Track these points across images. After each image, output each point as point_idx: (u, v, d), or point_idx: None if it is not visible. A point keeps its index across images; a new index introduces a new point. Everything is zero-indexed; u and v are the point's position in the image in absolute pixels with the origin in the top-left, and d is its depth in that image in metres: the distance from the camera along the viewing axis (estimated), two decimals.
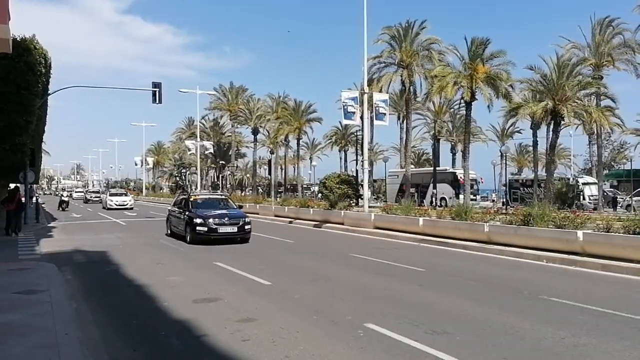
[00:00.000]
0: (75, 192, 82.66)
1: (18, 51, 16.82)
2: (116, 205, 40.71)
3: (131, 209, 40.08)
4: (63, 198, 42.78)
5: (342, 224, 22.55)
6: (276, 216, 29.52)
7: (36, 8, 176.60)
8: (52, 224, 25.99)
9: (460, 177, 38.10)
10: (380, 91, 33.51)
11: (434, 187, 37.81)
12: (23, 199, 22.66)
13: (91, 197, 59.83)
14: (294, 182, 67.19)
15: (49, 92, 24.99)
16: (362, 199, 26.61)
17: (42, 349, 5.37)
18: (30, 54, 17.95)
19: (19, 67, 17.49)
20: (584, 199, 34.66)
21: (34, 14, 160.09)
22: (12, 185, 27.98)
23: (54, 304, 7.46)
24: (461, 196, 35.58)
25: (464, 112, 37.30)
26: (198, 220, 16.14)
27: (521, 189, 40.09)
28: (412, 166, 46.12)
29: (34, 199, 32.29)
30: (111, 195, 44.15)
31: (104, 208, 41.82)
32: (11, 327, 6.18)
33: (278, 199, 37.42)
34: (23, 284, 9.04)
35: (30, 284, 9.05)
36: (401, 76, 38.39)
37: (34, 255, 14.06)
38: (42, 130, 28.51)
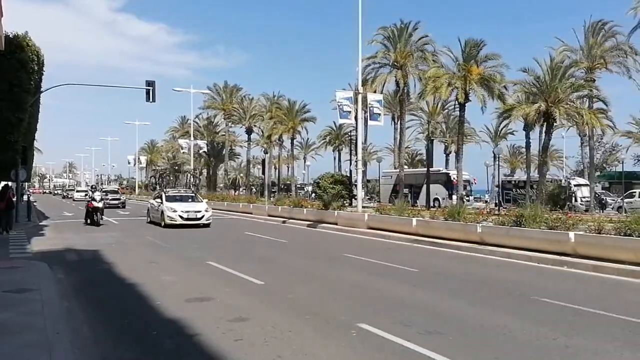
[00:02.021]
0: (78, 191, 64.99)
1: (11, 48, 16.76)
2: (184, 218, 22.09)
3: (208, 225, 22.56)
4: (95, 203, 23.44)
5: (336, 224, 22.56)
6: (269, 216, 29.50)
7: (30, 6, 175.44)
8: (43, 223, 25.82)
9: (454, 178, 38.24)
10: (375, 92, 33.59)
11: (428, 188, 37.92)
12: (14, 198, 22.50)
13: (106, 199, 35.72)
14: (288, 182, 67.17)
15: (42, 89, 24.84)
16: (355, 199, 26.64)
17: (32, 348, 5.34)
18: (22, 51, 17.88)
19: (11, 64, 17.43)
20: (575, 200, 34.88)
21: (27, 11, 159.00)
22: (3, 183, 27.74)
23: (45, 303, 7.42)
24: (454, 197, 35.73)
25: (458, 113, 37.46)
26: None
27: (514, 190, 40.28)
28: (406, 167, 46.24)
29: (26, 197, 32.08)
30: (170, 199, 23.47)
31: (152, 222, 24.23)
32: (1, 326, 6.12)
33: (271, 198, 37.30)
34: (14, 282, 8.97)
35: (21, 282, 8.98)
36: (395, 77, 38.52)
37: (25, 253, 13.95)
38: (35, 128, 28.34)
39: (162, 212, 22.50)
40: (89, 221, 23.60)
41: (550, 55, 34.35)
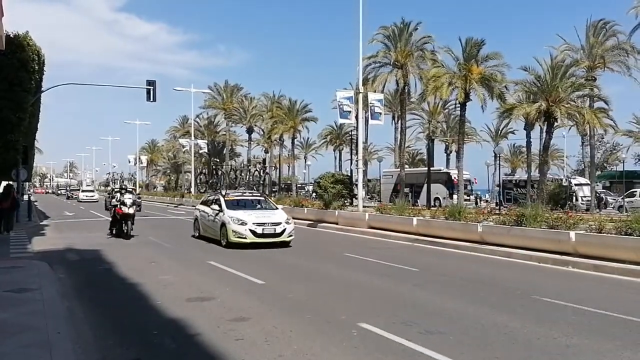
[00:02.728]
0: (83, 191, 60.62)
1: (11, 48, 16.79)
2: (258, 234, 15.09)
3: (288, 243, 15.57)
4: (126, 209, 17.62)
5: (337, 223, 22.56)
6: None
7: (31, 5, 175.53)
8: (44, 222, 25.84)
9: (454, 178, 38.25)
10: (375, 91, 33.58)
11: (428, 187, 37.98)
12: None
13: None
14: (289, 182, 67.20)
15: (42, 89, 24.87)
16: (356, 198, 26.66)
17: (33, 348, 5.34)
18: (23, 50, 17.92)
19: (12, 64, 17.48)
20: (576, 199, 34.89)
21: (28, 11, 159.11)
22: (4, 183, 27.79)
23: (46, 303, 7.42)
24: (455, 196, 35.75)
25: (459, 112, 37.48)
26: None
27: (514, 189, 40.29)
28: (407, 166, 46.27)
29: (26, 196, 32.11)
30: (232, 205, 16.26)
31: (202, 237, 17.23)
32: (2, 326, 6.13)
33: (272, 198, 37.34)
34: (14, 282, 8.98)
35: (22, 282, 8.98)
36: (396, 76, 38.51)
37: (26, 253, 13.97)
38: (35, 128, 28.39)
39: (224, 224, 15.40)
40: (114, 231, 18.18)
41: (551, 54, 34.37)
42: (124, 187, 20.66)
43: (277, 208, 17.23)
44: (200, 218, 17.66)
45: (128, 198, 17.84)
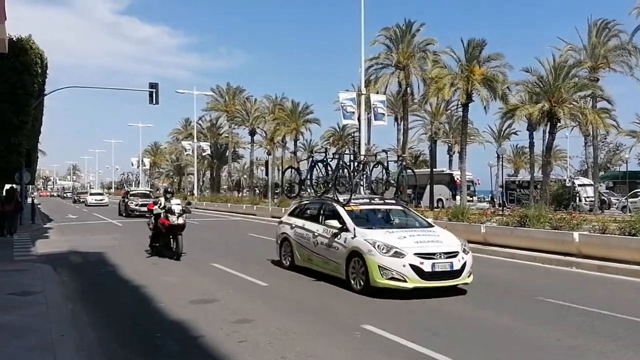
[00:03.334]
0: (92, 194, 55.41)
1: (14, 51, 16.82)
2: (427, 274, 8.37)
3: (462, 286, 8.95)
4: (174, 219, 13.06)
5: None
6: (273, 217, 29.46)
7: (33, 8, 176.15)
8: (47, 225, 25.89)
9: (457, 179, 38.22)
10: (377, 93, 33.59)
11: (431, 189, 37.92)
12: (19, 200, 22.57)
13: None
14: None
15: (45, 92, 24.94)
16: None
17: (37, 351, 5.35)
18: (26, 54, 17.97)
19: (15, 67, 17.52)
20: (580, 200, 34.80)
21: (30, 14, 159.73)
22: (7, 186, 27.86)
23: (50, 305, 7.44)
24: (458, 197, 35.72)
25: (461, 113, 37.46)
26: None
27: (517, 190, 40.24)
28: None
29: (29, 199, 32.17)
30: (360, 219, 9.95)
31: (295, 267, 11.13)
32: (6, 329, 6.15)
33: (275, 200, 37.29)
34: (18, 285, 9.00)
35: (26, 285, 9.01)
36: (398, 77, 38.49)
37: (30, 256, 14.00)
38: (38, 131, 28.45)
39: (356, 253, 9.08)
40: (153, 249, 14.03)
41: (553, 55, 34.34)
42: (168, 191, 14.99)
43: (431, 225, 10.44)
44: (296, 238, 11.29)
45: (176, 204, 13.54)
